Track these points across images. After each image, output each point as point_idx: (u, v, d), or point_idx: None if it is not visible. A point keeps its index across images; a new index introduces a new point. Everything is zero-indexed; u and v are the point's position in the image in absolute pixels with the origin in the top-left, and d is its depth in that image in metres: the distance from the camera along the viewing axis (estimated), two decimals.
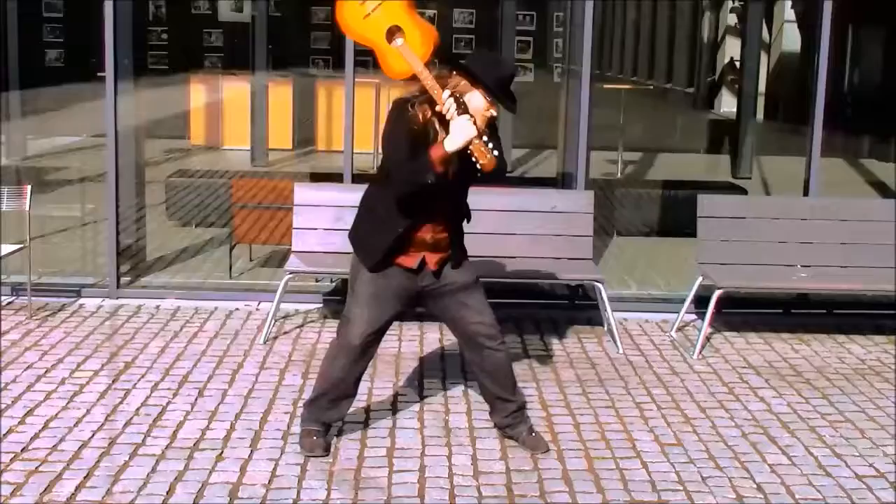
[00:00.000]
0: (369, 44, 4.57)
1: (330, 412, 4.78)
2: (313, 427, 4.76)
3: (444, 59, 4.73)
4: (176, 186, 9.33)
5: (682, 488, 4.49)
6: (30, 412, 5.09)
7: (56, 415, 5.07)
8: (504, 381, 4.88)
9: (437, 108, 4.36)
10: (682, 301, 6.76)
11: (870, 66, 15.59)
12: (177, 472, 4.47)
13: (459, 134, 4.27)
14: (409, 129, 4.41)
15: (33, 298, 6.74)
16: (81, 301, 7.02)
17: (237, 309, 6.95)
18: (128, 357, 5.95)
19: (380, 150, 4.82)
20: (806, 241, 6.77)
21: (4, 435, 4.79)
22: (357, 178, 7.04)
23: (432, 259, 4.63)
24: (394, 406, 5.33)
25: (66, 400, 5.26)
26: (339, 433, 4.92)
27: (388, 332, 4.69)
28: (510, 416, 4.90)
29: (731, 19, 19.05)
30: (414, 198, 4.46)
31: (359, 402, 5.33)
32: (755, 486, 4.54)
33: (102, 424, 4.96)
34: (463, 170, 4.41)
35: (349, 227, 4.81)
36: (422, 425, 5.10)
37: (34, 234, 6.77)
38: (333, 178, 8.03)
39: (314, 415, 4.78)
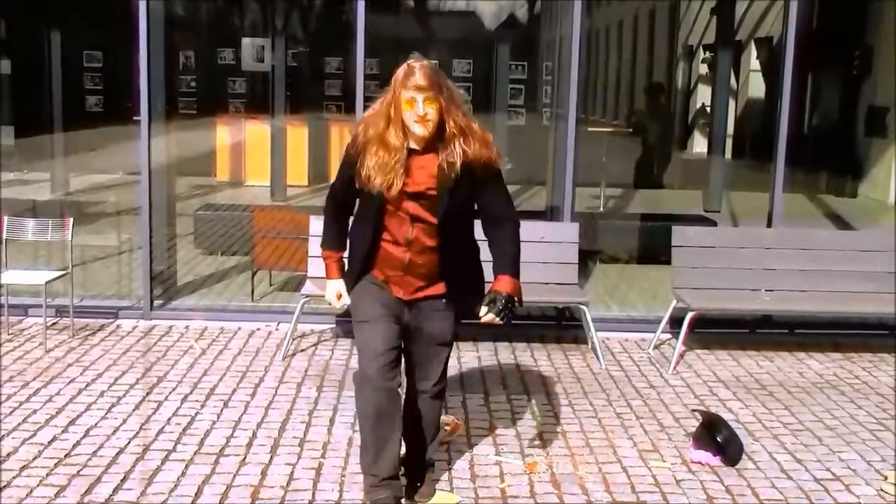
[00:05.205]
0: None
1: (379, 466, 3.92)
2: (384, 498, 3.95)
3: None
4: (203, 219, 9.36)
5: (658, 490, 4.51)
6: (72, 422, 5.12)
7: (96, 424, 5.10)
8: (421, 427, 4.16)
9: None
10: (659, 321, 6.80)
11: (827, 109, 15.64)
12: (204, 476, 4.49)
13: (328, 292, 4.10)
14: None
15: (75, 319, 6.78)
16: (118, 322, 7.06)
17: (258, 329, 6.98)
18: (160, 372, 5.98)
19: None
20: (770, 267, 6.80)
21: (50, 442, 4.83)
22: None
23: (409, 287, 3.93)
24: None
25: (104, 411, 5.29)
26: (349, 441, 4.95)
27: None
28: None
29: (703, 69, 19.14)
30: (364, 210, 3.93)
31: None
32: (724, 488, 4.56)
33: (137, 433, 4.99)
34: (458, 200, 3.80)
35: None
36: None
37: (76, 262, 6.80)
38: None
39: (372, 482, 3.97)
